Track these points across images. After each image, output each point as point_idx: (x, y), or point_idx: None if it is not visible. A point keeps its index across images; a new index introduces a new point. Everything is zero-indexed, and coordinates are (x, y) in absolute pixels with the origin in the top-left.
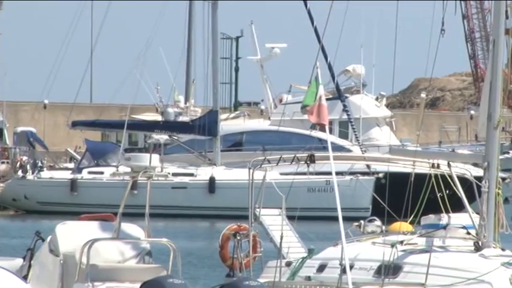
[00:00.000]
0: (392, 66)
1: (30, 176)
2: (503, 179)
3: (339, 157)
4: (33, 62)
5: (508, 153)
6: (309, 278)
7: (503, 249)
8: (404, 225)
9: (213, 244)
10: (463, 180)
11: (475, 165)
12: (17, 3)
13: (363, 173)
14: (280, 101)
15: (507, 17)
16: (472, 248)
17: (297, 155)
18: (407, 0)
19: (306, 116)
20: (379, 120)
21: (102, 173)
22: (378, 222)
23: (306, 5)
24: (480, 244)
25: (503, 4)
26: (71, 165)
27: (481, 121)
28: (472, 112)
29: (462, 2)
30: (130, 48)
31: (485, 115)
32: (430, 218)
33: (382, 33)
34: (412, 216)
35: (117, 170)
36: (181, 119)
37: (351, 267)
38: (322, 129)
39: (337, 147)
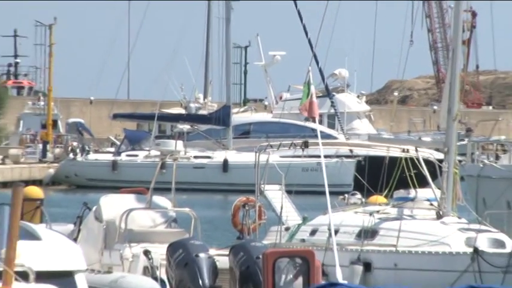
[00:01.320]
0: (371, 71)
1: (79, 158)
2: (460, 161)
3: (327, 143)
4: (81, 65)
5: (464, 140)
6: (303, 241)
7: (459, 217)
8: (380, 198)
9: (226, 213)
10: (428, 162)
11: (437, 150)
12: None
13: (347, 156)
14: (281, 98)
15: (463, 31)
16: (434, 216)
17: (294, 142)
18: (383, 18)
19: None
20: (359, 114)
21: (137, 155)
22: (359, 196)
23: (301, 20)
24: (441, 213)
25: (461, 20)
26: (112, 149)
27: (442, 115)
28: (435, 107)
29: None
30: (160, 53)
31: (446, 110)
32: (401, 192)
33: (364, 43)
34: (386, 191)
35: (149, 153)
36: (200, 112)
37: (337, 231)
38: (314, 121)
39: (325, 136)
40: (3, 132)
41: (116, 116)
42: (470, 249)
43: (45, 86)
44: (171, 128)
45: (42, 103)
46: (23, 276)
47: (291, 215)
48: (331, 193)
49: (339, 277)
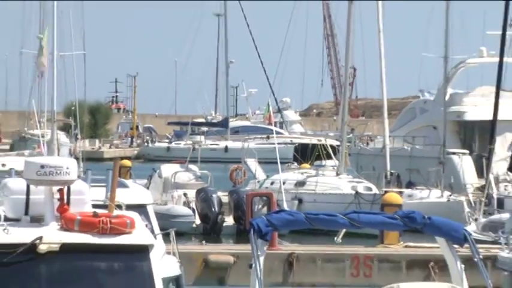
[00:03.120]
0: (302, 98)
1: (150, 145)
2: (348, 145)
3: (278, 137)
4: (150, 90)
5: (350, 134)
6: (267, 188)
7: (347, 175)
8: (306, 165)
9: (226, 174)
10: (332, 146)
11: (337, 140)
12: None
13: (289, 143)
14: (255, 113)
15: (349, 77)
16: (335, 174)
17: (261, 136)
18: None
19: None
20: (295, 121)
21: (179, 143)
22: (296, 164)
23: (265, 72)
24: (338, 173)
25: (348, 73)
26: (167, 141)
27: (339, 121)
28: (335, 118)
29: (330, 71)
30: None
31: (341, 119)
32: (317, 162)
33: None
34: (310, 161)
35: (186, 142)
36: (213, 121)
37: (284, 182)
38: (271, 125)
39: (278, 132)
40: (110, 132)
41: (169, 123)
42: (353, 192)
43: (131, 107)
44: (197, 129)
45: (129, 116)
46: (119, 207)
47: (260, 174)
48: (281, 163)
49: (285, 207)
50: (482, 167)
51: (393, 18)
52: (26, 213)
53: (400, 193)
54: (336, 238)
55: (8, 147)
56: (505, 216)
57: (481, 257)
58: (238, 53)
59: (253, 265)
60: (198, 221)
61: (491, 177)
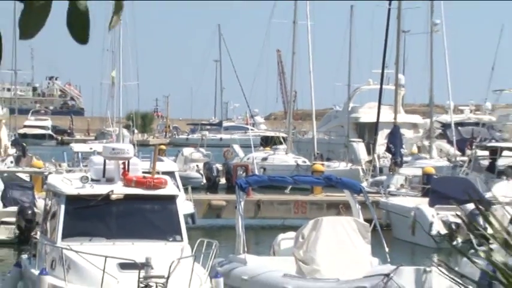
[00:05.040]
0: (265, 109)
1: (176, 137)
2: (292, 137)
3: (253, 131)
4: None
5: (293, 130)
6: (245, 161)
7: (293, 153)
8: (268, 148)
9: (221, 154)
10: (283, 137)
11: (286, 133)
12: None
13: (257, 136)
14: (237, 118)
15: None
16: (285, 153)
17: (242, 131)
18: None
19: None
20: (261, 123)
21: (194, 136)
22: (262, 148)
23: (245, 97)
24: (286, 153)
25: (292, 94)
26: (186, 134)
27: (287, 123)
28: (284, 121)
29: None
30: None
31: (288, 121)
32: (275, 147)
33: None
34: (270, 146)
35: (198, 135)
36: (213, 122)
37: (255, 158)
38: (247, 125)
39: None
40: (153, 129)
41: (188, 124)
42: (295, 164)
43: (165, 115)
44: (204, 127)
45: (164, 120)
46: (157, 173)
47: (241, 154)
48: (254, 147)
49: (256, 172)
50: (370, 149)
51: (322, 58)
52: (103, 176)
53: (323, 165)
54: (286, 190)
55: (93, 138)
56: (383, 177)
57: (370, 201)
58: (228, 81)
59: (237, 206)
60: (204, 181)
61: (375, 155)
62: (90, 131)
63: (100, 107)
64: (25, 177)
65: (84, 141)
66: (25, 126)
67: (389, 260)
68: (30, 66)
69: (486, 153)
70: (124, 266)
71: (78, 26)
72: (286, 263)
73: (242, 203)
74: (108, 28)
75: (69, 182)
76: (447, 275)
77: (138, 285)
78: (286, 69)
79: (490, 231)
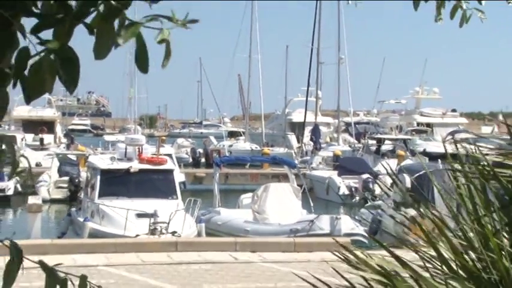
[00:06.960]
0: (231, 113)
1: (172, 131)
2: (248, 132)
3: (223, 128)
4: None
5: (249, 127)
6: (218, 147)
7: (249, 143)
8: (233, 139)
9: (201, 142)
10: (243, 132)
11: (244, 129)
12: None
13: (226, 131)
14: (213, 119)
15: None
16: (244, 142)
17: (216, 128)
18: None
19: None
20: (228, 122)
21: (184, 130)
22: (229, 138)
23: (218, 108)
24: (245, 142)
25: (248, 103)
26: (179, 129)
27: (245, 122)
28: (243, 121)
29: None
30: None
31: (245, 122)
32: (238, 138)
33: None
34: (235, 138)
35: (187, 130)
36: (196, 122)
37: (224, 145)
38: (219, 124)
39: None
40: (157, 126)
41: (180, 123)
42: (251, 149)
43: (165, 116)
44: (190, 125)
45: (165, 120)
46: (161, 155)
47: (215, 142)
48: (224, 138)
49: (226, 154)
50: (299, 139)
51: (269, 79)
52: (125, 156)
53: (269, 149)
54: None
55: (118, 132)
56: (308, 158)
57: (300, 173)
58: (206, 94)
59: (214, 177)
60: (190, 160)
61: (303, 144)
62: (116, 127)
63: (122, 111)
64: (73, 157)
65: (112, 134)
66: (72, 124)
67: (313, 211)
68: None
69: (374, 142)
70: (139, 215)
71: (143, 59)
72: (247, 213)
73: (217, 174)
74: (162, 66)
75: (102, 161)
76: (350, 220)
77: (149, 228)
78: (244, 87)
79: (377, 192)
